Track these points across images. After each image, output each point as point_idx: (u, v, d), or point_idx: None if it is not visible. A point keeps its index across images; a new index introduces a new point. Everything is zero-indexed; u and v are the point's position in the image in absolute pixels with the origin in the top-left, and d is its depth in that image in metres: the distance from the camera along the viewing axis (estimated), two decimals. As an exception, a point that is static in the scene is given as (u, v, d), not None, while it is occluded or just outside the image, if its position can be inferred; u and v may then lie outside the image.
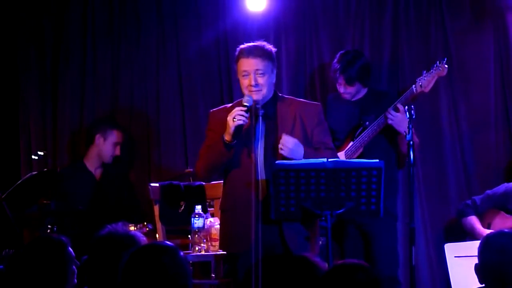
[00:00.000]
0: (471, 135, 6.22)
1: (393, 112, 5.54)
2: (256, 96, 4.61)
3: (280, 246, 4.57)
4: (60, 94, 6.79)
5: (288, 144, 4.51)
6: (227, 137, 4.55)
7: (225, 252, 4.89)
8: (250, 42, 4.76)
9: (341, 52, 5.89)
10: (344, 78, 5.74)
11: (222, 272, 5.63)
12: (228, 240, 4.75)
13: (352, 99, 5.84)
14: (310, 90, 6.45)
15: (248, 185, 4.44)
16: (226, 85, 6.61)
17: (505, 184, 5.78)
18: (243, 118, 4.50)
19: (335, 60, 5.82)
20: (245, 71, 4.64)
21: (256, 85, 4.61)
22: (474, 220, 5.71)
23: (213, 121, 4.79)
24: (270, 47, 4.73)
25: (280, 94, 4.82)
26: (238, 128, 4.52)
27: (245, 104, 4.55)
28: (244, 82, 4.65)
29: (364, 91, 5.84)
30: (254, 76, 4.61)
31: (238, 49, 4.73)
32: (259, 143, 4.62)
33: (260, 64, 4.62)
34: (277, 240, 4.58)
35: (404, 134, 4.76)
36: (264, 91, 4.64)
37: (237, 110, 4.52)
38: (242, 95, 4.73)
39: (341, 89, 5.80)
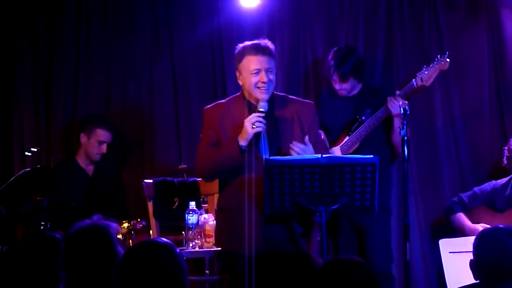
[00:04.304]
0: (465, 130, 6.22)
1: (394, 100, 5.49)
2: (265, 95, 4.59)
3: (287, 244, 4.54)
4: (54, 90, 6.77)
5: (298, 150, 4.50)
6: (242, 142, 4.49)
7: (219, 249, 4.87)
8: (250, 40, 4.75)
9: (335, 49, 5.89)
10: (338, 75, 5.75)
11: (216, 268, 5.62)
12: (227, 239, 4.72)
13: (348, 95, 5.83)
14: (304, 87, 6.44)
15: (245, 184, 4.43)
16: (220, 81, 6.59)
17: (493, 182, 5.77)
18: (261, 125, 4.47)
19: (329, 57, 5.82)
20: (256, 69, 4.59)
21: (269, 81, 4.59)
22: (462, 217, 5.72)
23: (210, 119, 4.71)
24: (272, 45, 4.71)
25: (275, 92, 4.77)
26: (257, 135, 4.49)
27: (261, 110, 4.52)
28: (253, 79, 4.59)
29: (359, 87, 5.83)
30: (266, 74, 4.58)
31: (241, 46, 4.69)
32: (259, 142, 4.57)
33: (270, 62, 4.62)
34: (284, 238, 4.57)
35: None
36: (271, 88, 4.63)
37: (255, 117, 4.47)
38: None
39: (337, 86, 5.80)
